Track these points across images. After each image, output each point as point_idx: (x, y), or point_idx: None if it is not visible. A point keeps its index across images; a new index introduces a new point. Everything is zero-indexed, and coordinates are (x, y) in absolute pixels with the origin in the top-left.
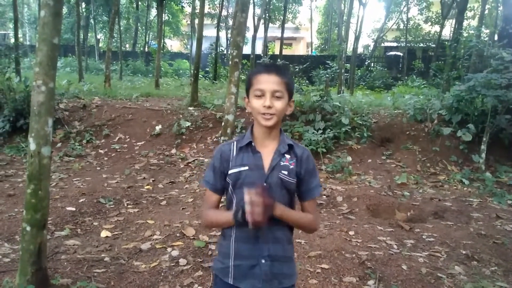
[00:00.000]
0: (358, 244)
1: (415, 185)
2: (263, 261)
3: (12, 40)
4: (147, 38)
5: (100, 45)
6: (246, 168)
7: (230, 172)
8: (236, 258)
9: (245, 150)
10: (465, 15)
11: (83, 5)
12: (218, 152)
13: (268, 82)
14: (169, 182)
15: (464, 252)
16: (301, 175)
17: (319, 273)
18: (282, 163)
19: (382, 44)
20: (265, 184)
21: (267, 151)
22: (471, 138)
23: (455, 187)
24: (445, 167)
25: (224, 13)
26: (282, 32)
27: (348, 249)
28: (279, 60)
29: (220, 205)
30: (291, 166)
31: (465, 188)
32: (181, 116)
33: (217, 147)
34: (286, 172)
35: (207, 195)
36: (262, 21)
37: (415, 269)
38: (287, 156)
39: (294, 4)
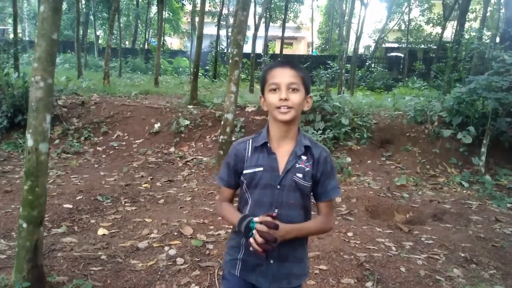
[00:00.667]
0: (357, 245)
1: (415, 187)
2: (271, 261)
3: (11, 36)
4: (147, 36)
5: (100, 41)
6: (261, 169)
7: (245, 172)
8: (246, 253)
9: (260, 150)
10: (467, 17)
11: (83, 1)
12: (233, 150)
13: (283, 75)
14: (167, 181)
15: (463, 255)
16: (317, 177)
17: (317, 274)
18: (297, 165)
19: (383, 45)
20: (276, 212)
21: (283, 152)
22: (471, 141)
23: (454, 190)
24: (444, 169)
25: (224, 11)
26: (283, 31)
27: (346, 250)
28: (279, 59)
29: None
30: (307, 169)
31: (464, 191)
32: (180, 114)
33: (232, 145)
34: (301, 175)
35: (222, 190)
36: (263, 20)
37: (414, 272)
38: (304, 157)
39: (295, 3)
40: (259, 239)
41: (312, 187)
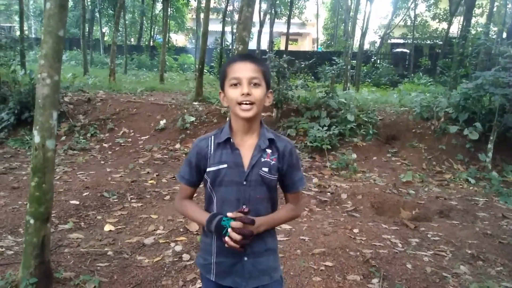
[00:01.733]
0: (363, 242)
1: (421, 184)
2: (245, 258)
3: (18, 33)
4: (152, 32)
5: (105, 38)
6: (225, 166)
7: (208, 169)
8: (218, 255)
9: (223, 147)
10: (473, 12)
11: None
12: (194, 148)
13: (244, 69)
14: (173, 177)
15: (469, 251)
16: (283, 170)
17: (323, 271)
18: (262, 160)
19: (389, 41)
20: (244, 207)
21: (247, 147)
22: (478, 137)
23: (461, 186)
24: (451, 165)
25: (229, 7)
26: (288, 28)
27: (352, 247)
28: (284, 55)
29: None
30: (272, 162)
31: (471, 187)
32: (185, 111)
33: (194, 142)
34: (266, 169)
35: (182, 188)
36: (268, 16)
37: (420, 268)
38: (268, 151)
39: None
40: (237, 237)
41: (279, 180)
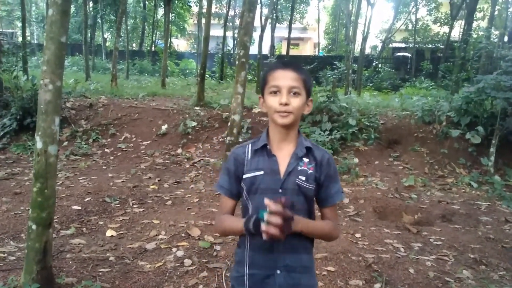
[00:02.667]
0: (365, 246)
1: (423, 188)
2: (278, 271)
3: (20, 39)
4: (154, 38)
5: (107, 44)
6: (261, 172)
7: (244, 176)
8: (251, 267)
9: (260, 154)
10: (474, 16)
11: (91, 4)
12: (232, 155)
13: (284, 78)
14: (175, 182)
15: (472, 256)
16: (321, 181)
17: (325, 276)
18: (299, 168)
19: (390, 45)
20: (287, 197)
21: (284, 155)
22: (480, 141)
23: (463, 190)
24: (453, 169)
25: (231, 12)
26: (289, 32)
27: (354, 252)
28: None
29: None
30: (310, 171)
31: (473, 191)
32: (187, 115)
33: (232, 150)
34: (303, 178)
35: (222, 201)
36: (269, 21)
37: (423, 273)
38: (305, 160)
39: (301, 4)
40: (277, 220)
41: (315, 192)
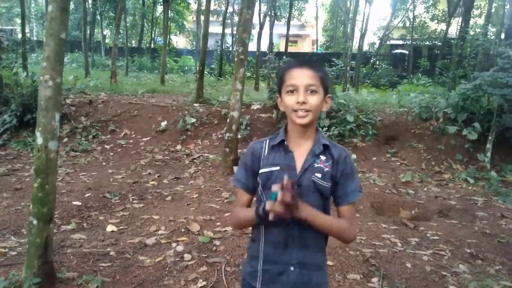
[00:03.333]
0: (363, 241)
1: (420, 183)
2: (291, 268)
3: (19, 36)
4: (153, 35)
5: (107, 41)
6: (278, 168)
7: (261, 171)
8: (265, 262)
9: (277, 149)
10: (471, 13)
11: (90, 1)
12: (249, 150)
13: (301, 76)
14: (174, 178)
15: (468, 250)
16: (337, 178)
17: None
18: (316, 165)
19: (388, 42)
20: (292, 179)
21: (301, 151)
22: (476, 137)
23: (460, 186)
24: (450, 165)
25: (230, 9)
26: (288, 29)
27: (352, 246)
28: (284, 57)
29: None
30: (326, 169)
31: (470, 187)
32: (186, 112)
33: (249, 145)
34: (319, 175)
35: (238, 195)
36: (268, 18)
37: (419, 267)
38: (322, 157)
39: (300, 1)
40: (285, 196)
41: (332, 190)
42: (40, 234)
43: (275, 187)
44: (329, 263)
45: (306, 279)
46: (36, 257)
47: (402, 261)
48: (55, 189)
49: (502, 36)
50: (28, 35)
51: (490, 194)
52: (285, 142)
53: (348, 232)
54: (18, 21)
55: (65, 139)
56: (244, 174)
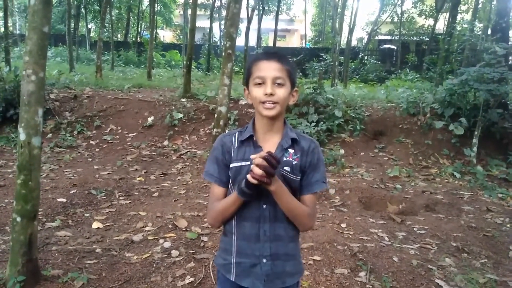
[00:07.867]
0: (350, 236)
1: (407, 178)
2: (264, 260)
3: (2, 29)
4: (139, 29)
5: (92, 35)
6: (248, 163)
7: (231, 165)
8: (238, 255)
9: (246, 144)
10: (459, 8)
11: None
12: (219, 143)
13: (268, 68)
14: (161, 174)
15: (454, 244)
16: (306, 169)
17: (311, 265)
18: (284, 159)
19: (376, 37)
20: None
21: (269, 145)
22: (463, 132)
23: (446, 180)
24: (437, 160)
25: (217, 3)
26: (276, 24)
27: (340, 241)
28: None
29: None
30: (295, 162)
31: (456, 182)
32: (173, 107)
33: (218, 138)
34: (288, 169)
35: (213, 190)
36: (256, 12)
37: (406, 261)
38: (291, 150)
39: None
40: (260, 161)
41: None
42: (24, 232)
43: (254, 156)
44: (317, 258)
45: (279, 270)
46: (20, 254)
47: (389, 255)
48: (39, 185)
49: (489, 31)
50: (10, 28)
51: (476, 188)
52: (254, 137)
53: (309, 218)
54: (0, 14)
55: (49, 135)
56: (216, 168)
